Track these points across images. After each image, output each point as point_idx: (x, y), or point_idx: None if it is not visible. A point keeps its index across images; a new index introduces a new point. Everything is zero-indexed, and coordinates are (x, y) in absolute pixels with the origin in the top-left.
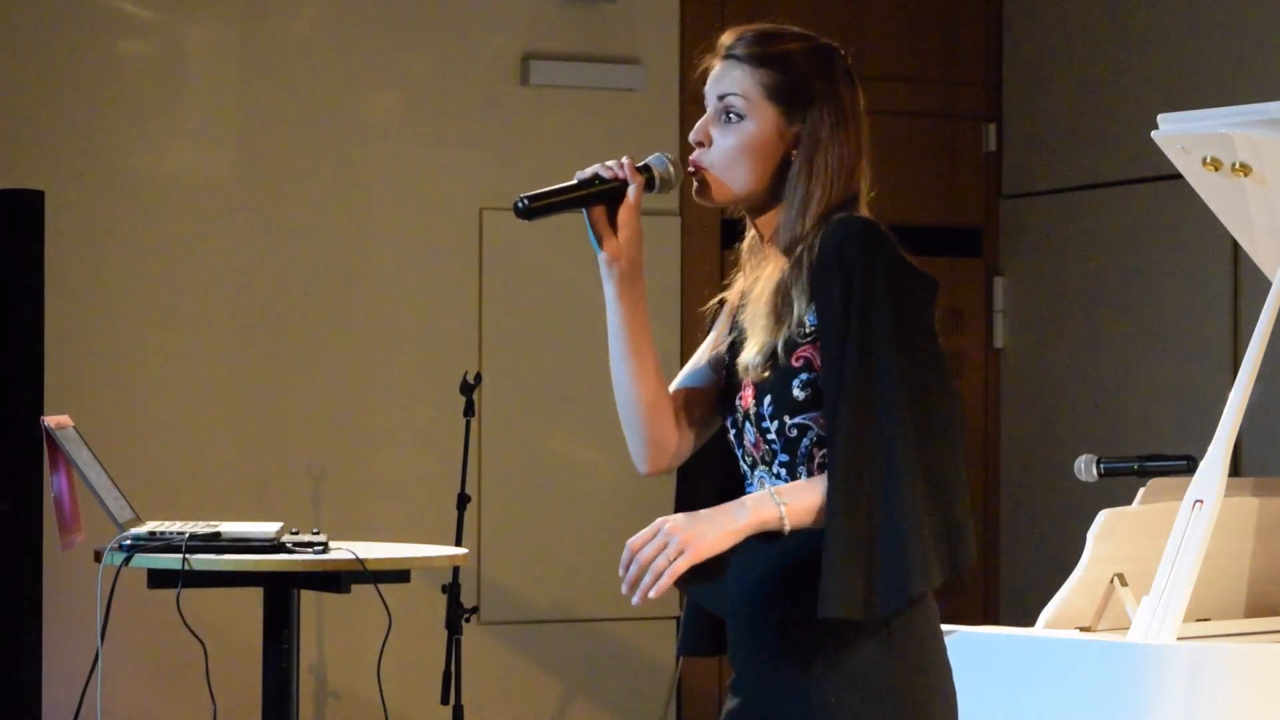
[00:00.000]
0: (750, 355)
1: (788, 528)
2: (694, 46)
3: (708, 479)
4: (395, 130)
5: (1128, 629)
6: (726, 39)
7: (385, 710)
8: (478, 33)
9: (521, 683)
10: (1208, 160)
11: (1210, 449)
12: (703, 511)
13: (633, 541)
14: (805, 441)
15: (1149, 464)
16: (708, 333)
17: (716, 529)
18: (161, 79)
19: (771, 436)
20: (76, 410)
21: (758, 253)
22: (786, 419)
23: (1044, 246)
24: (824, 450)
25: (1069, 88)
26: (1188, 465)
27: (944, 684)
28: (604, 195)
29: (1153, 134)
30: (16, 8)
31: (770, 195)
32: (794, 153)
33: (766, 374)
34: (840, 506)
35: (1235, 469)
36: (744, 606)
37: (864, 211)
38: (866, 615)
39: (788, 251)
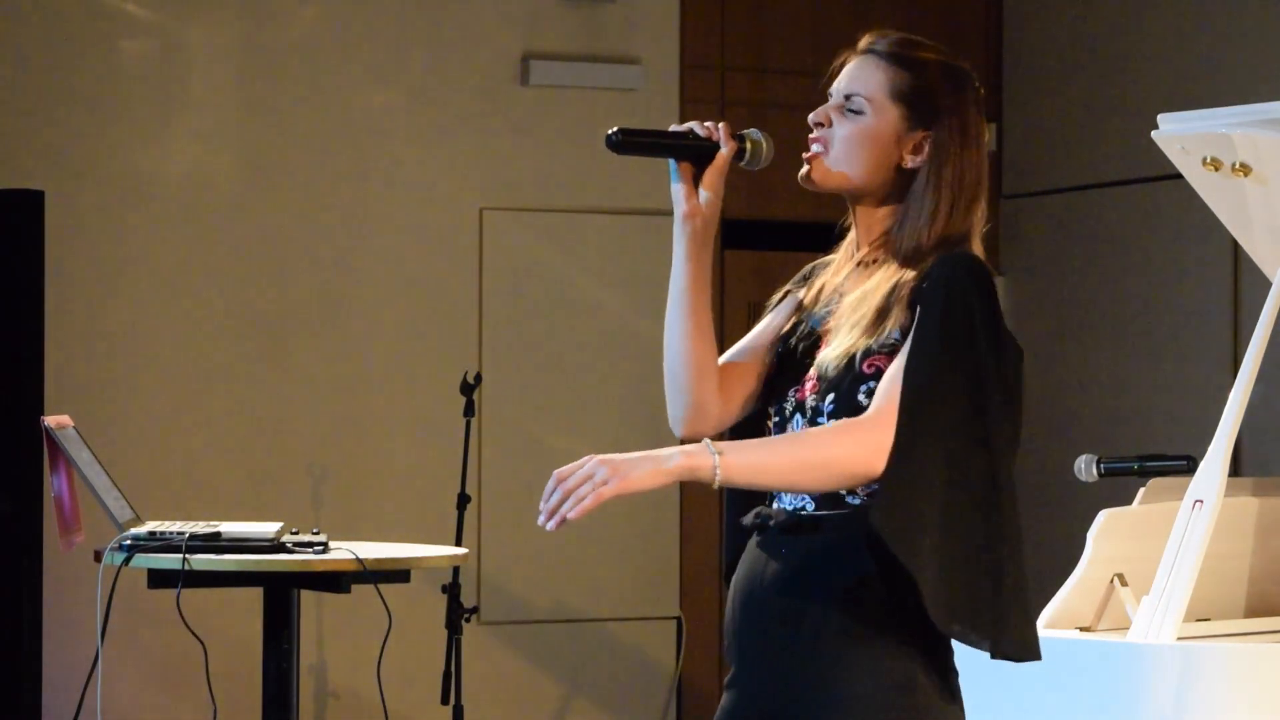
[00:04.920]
0: (831, 354)
1: (718, 481)
2: (694, 46)
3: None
4: (395, 130)
5: (1128, 629)
6: (867, 38)
7: (385, 710)
8: (478, 33)
9: (521, 683)
10: (1208, 160)
11: (1210, 449)
12: (632, 453)
13: (560, 471)
14: None
15: (1149, 464)
16: (764, 316)
17: (646, 465)
18: (161, 79)
19: None
20: (76, 410)
21: (852, 254)
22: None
23: (1044, 246)
24: None
25: (1069, 88)
26: (1188, 465)
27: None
28: (694, 151)
29: (1153, 134)
30: (17, 8)
31: (881, 194)
32: (906, 158)
33: (837, 374)
34: (968, 550)
35: (1235, 469)
36: (787, 608)
37: (977, 248)
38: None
39: (902, 264)
